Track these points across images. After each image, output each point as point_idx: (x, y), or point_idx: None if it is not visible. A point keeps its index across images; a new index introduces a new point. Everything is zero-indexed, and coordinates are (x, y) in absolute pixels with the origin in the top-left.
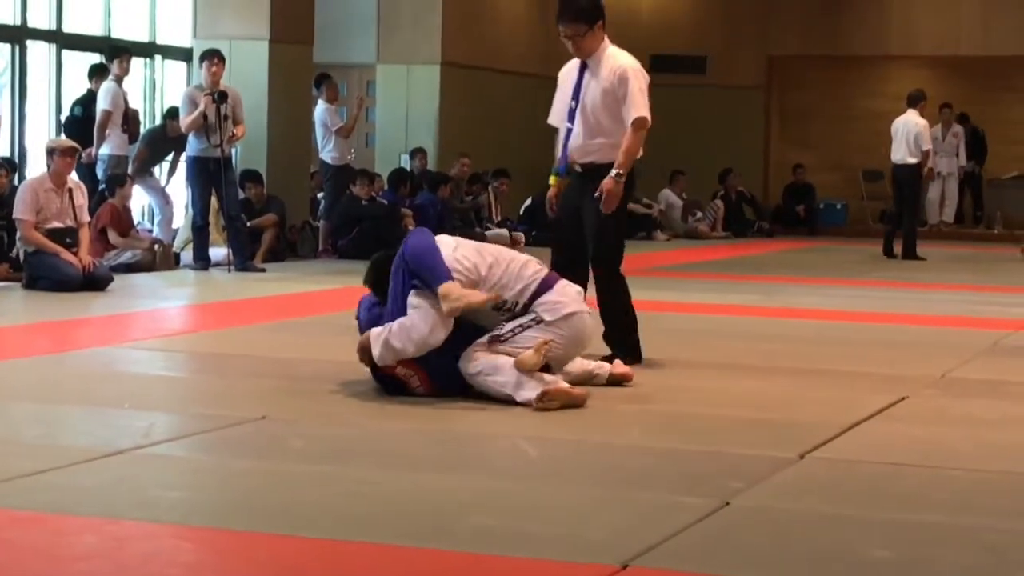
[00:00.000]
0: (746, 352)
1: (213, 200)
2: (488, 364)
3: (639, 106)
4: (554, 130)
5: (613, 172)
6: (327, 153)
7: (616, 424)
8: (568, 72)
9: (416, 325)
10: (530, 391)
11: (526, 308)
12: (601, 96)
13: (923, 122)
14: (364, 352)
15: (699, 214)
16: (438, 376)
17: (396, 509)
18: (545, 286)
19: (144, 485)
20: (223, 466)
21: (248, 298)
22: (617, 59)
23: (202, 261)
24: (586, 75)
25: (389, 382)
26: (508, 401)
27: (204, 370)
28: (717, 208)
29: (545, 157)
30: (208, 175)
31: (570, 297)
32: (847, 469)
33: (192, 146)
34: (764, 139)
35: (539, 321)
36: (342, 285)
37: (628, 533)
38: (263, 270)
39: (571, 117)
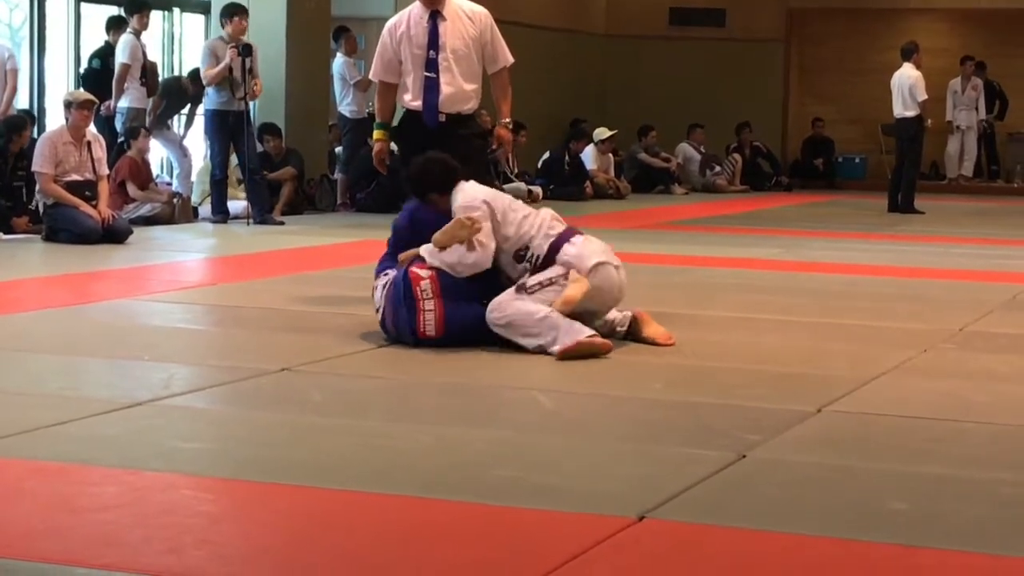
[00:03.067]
0: (765, 306)
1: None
2: (519, 315)
3: (507, 51)
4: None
5: (505, 121)
6: (345, 106)
7: (635, 377)
8: (411, 24)
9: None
10: (561, 344)
11: (547, 261)
12: (472, 42)
13: (916, 74)
14: (407, 259)
15: (717, 168)
16: (453, 316)
17: (415, 461)
18: (562, 240)
19: (164, 436)
20: (243, 418)
21: (267, 251)
22: (469, 5)
23: (221, 214)
24: (440, 24)
25: (401, 312)
26: (524, 352)
27: (223, 322)
28: (735, 162)
29: (564, 110)
30: (227, 128)
31: (592, 250)
32: (864, 422)
33: (211, 99)
34: (783, 93)
35: (567, 276)
36: (360, 238)
37: (645, 485)
38: (282, 223)
39: (431, 67)
